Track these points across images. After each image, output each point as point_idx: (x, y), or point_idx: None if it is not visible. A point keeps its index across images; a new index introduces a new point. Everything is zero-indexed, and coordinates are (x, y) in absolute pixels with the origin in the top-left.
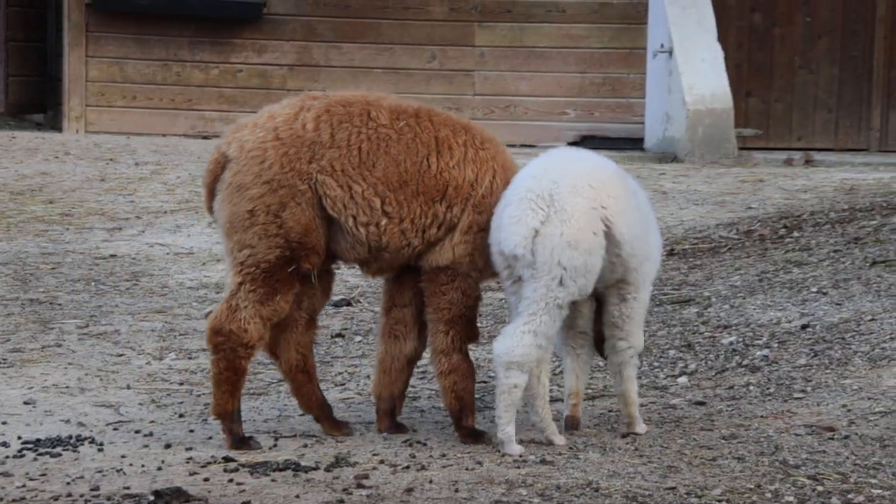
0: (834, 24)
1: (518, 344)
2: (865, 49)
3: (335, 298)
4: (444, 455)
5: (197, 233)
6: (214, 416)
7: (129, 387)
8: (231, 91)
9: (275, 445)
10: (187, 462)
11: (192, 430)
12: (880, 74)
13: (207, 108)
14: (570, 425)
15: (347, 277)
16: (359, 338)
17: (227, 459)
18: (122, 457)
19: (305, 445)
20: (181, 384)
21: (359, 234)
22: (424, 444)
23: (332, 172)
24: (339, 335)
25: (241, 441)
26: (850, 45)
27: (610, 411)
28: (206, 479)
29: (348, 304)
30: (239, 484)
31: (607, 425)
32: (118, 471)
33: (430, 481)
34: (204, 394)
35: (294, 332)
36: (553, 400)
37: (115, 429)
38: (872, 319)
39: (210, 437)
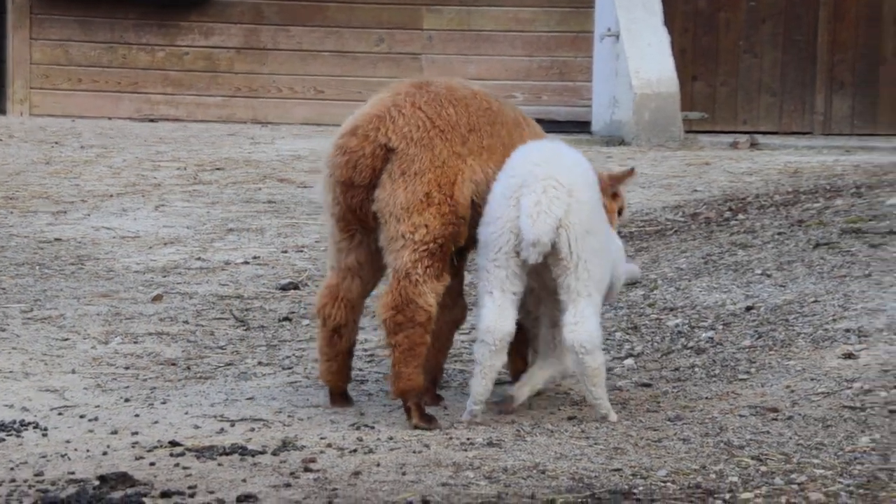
0: (778, 8)
1: (594, 328)
2: (809, 33)
3: (282, 282)
4: (391, 438)
5: (143, 216)
6: (400, 394)
7: (74, 371)
8: (177, 74)
9: (222, 430)
10: (133, 447)
11: (137, 415)
12: (824, 59)
13: (153, 91)
14: (505, 411)
15: (295, 260)
16: (306, 321)
17: (173, 444)
18: (67, 442)
19: (253, 429)
20: (127, 368)
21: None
22: (372, 428)
23: (477, 153)
24: (287, 318)
25: (430, 417)
26: (794, 30)
27: (558, 394)
28: (152, 464)
29: (296, 287)
30: (185, 468)
31: (553, 407)
32: (62, 456)
33: (378, 464)
34: (150, 378)
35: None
36: (501, 383)
37: (59, 414)
38: (815, 301)
39: (156, 422)
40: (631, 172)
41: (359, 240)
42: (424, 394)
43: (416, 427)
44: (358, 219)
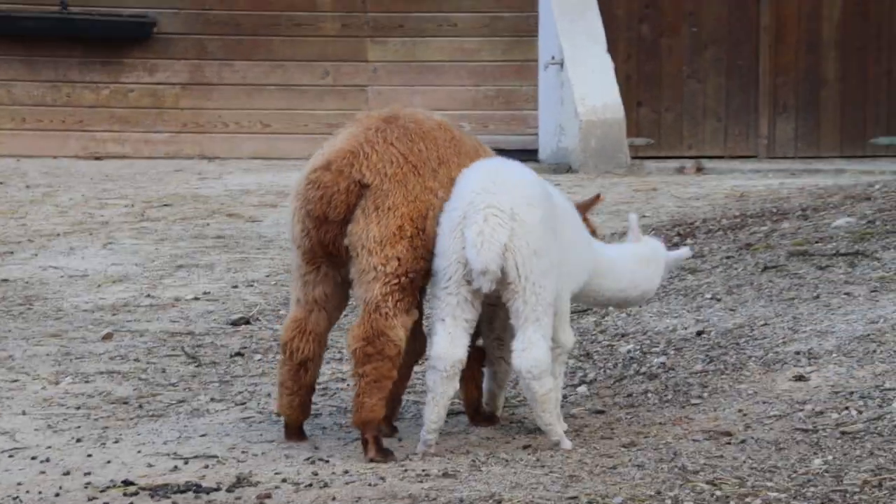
0: (720, 34)
1: (541, 353)
2: (751, 58)
3: (233, 317)
4: (346, 472)
5: (91, 255)
6: (361, 424)
7: (24, 412)
8: (123, 111)
9: (175, 467)
10: (86, 487)
11: (90, 455)
12: (766, 83)
13: (99, 128)
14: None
15: (245, 295)
16: (258, 356)
17: (126, 483)
18: (19, 484)
19: (207, 466)
20: (78, 408)
21: None
22: (327, 462)
23: (447, 186)
24: (239, 354)
25: (387, 452)
26: (736, 55)
27: (512, 422)
28: None
29: (247, 322)
30: None
31: (508, 436)
32: (14, 499)
33: (333, 498)
34: (101, 417)
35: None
36: (456, 413)
37: (10, 456)
38: (765, 324)
39: (109, 462)
40: (597, 199)
41: (325, 272)
42: (382, 423)
43: (371, 461)
44: (328, 253)
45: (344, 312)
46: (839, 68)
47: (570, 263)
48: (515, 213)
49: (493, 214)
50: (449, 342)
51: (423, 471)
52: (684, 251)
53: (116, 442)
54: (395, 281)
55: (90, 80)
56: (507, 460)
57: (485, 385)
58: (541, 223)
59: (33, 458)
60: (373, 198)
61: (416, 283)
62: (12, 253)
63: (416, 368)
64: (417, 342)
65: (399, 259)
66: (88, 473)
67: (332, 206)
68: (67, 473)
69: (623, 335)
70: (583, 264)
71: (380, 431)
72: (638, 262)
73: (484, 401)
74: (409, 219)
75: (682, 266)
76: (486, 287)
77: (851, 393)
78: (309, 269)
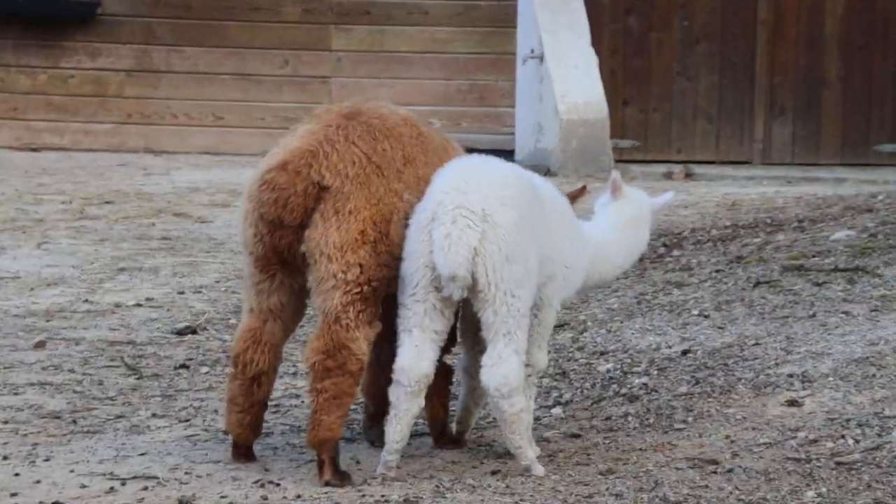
0: (713, 28)
1: (511, 370)
2: (747, 55)
3: (179, 326)
4: (299, 496)
5: (24, 255)
6: (317, 443)
7: None
8: (61, 99)
9: (111, 489)
10: None
11: (17, 474)
12: (762, 82)
13: (35, 117)
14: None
15: (192, 302)
16: (205, 368)
17: None
18: None
19: (146, 489)
20: (5, 423)
21: None
22: (277, 485)
23: (414, 186)
24: (184, 366)
25: (344, 475)
26: (731, 51)
27: (480, 445)
28: None
29: (193, 332)
30: None
31: (475, 460)
32: None
33: None
34: (31, 432)
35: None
36: (419, 434)
37: None
38: (756, 344)
39: (38, 481)
40: (583, 190)
41: (280, 280)
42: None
43: (327, 484)
44: (283, 259)
45: (300, 323)
46: (842, 67)
47: (563, 268)
48: (487, 213)
49: (463, 215)
50: (415, 355)
51: (383, 496)
52: (669, 195)
53: (47, 460)
54: (357, 290)
55: (26, 65)
56: (473, 486)
57: (460, 401)
58: (515, 226)
59: None
60: (332, 201)
61: (380, 292)
62: None
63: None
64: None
65: (361, 266)
66: (15, 494)
67: (287, 210)
68: None
69: (602, 353)
70: (580, 266)
71: (337, 452)
72: (627, 227)
73: (456, 418)
74: (372, 223)
75: (668, 280)
76: (456, 294)
77: (848, 420)
78: (262, 278)
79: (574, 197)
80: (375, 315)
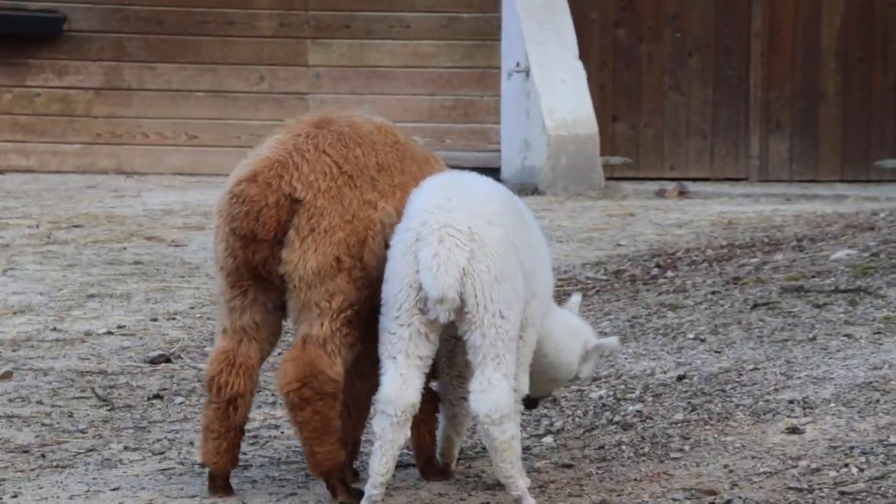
0: (706, 41)
1: (501, 396)
2: (741, 68)
3: (152, 354)
4: None
5: None
6: (322, 474)
7: None
8: (27, 119)
9: None
10: None
11: None
12: (758, 96)
13: (0, 138)
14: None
15: (166, 330)
16: (180, 399)
17: None
18: None
19: None
20: None
21: None
22: None
23: (390, 194)
24: (158, 396)
25: (357, 492)
26: (725, 64)
27: (468, 476)
28: None
29: (167, 360)
30: None
31: (463, 492)
32: None
33: None
34: None
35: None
36: (405, 465)
37: None
38: (755, 369)
39: None
40: None
41: (253, 297)
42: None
43: (343, 502)
44: (257, 275)
45: (278, 349)
46: (840, 81)
47: (543, 286)
48: (474, 232)
49: (450, 234)
50: (401, 384)
51: None
52: (613, 340)
53: (15, 496)
54: (343, 315)
55: None
56: None
57: (440, 431)
58: (503, 244)
59: None
60: (307, 216)
61: (363, 314)
62: None
63: None
64: (376, 376)
65: (342, 293)
66: None
67: (260, 223)
68: None
69: (594, 379)
70: (550, 288)
71: (344, 474)
72: (565, 327)
73: (439, 450)
74: (346, 246)
75: (662, 302)
76: (443, 318)
77: (852, 448)
78: (234, 294)
79: None
80: (359, 338)
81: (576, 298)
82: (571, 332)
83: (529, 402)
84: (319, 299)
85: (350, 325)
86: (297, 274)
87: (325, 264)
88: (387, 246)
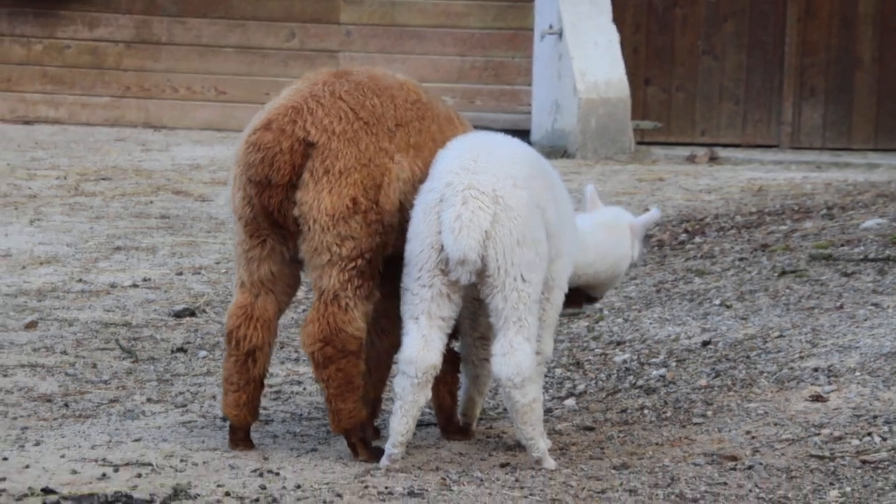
0: (741, 5)
1: (524, 359)
2: (776, 33)
3: (177, 308)
4: (299, 486)
5: (16, 232)
6: (343, 431)
7: None
8: (57, 70)
9: (104, 475)
10: (0, 494)
11: (5, 458)
12: (792, 62)
13: (30, 89)
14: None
15: (191, 284)
16: (203, 352)
17: (46, 491)
18: None
19: (140, 475)
20: None
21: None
22: (277, 474)
23: (405, 151)
24: (181, 349)
25: (377, 450)
26: (759, 29)
27: (489, 436)
28: None
29: (192, 314)
30: None
31: (484, 452)
32: None
33: None
34: (21, 416)
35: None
36: (426, 424)
37: None
38: (780, 336)
39: (27, 466)
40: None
41: (271, 247)
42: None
43: (365, 461)
44: (274, 223)
45: (300, 306)
46: (876, 48)
47: (569, 245)
48: (498, 195)
49: (474, 196)
50: (422, 345)
51: (386, 488)
52: (653, 213)
53: (37, 444)
54: (353, 265)
55: (20, 34)
56: (481, 480)
57: (463, 391)
58: (527, 207)
59: None
60: (321, 159)
61: (375, 264)
62: None
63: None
64: (396, 334)
65: (354, 238)
66: (3, 479)
67: (274, 169)
68: None
69: (619, 343)
70: (575, 248)
71: (365, 432)
72: (599, 229)
73: (460, 409)
74: (363, 188)
75: (689, 267)
76: (464, 279)
77: (875, 417)
78: (253, 244)
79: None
80: (373, 287)
81: (590, 188)
82: (609, 229)
83: (590, 299)
84: (331, 243)
85: (362, 277)
86: (311, 215)
87: (340, 205)
88: (401, 203)
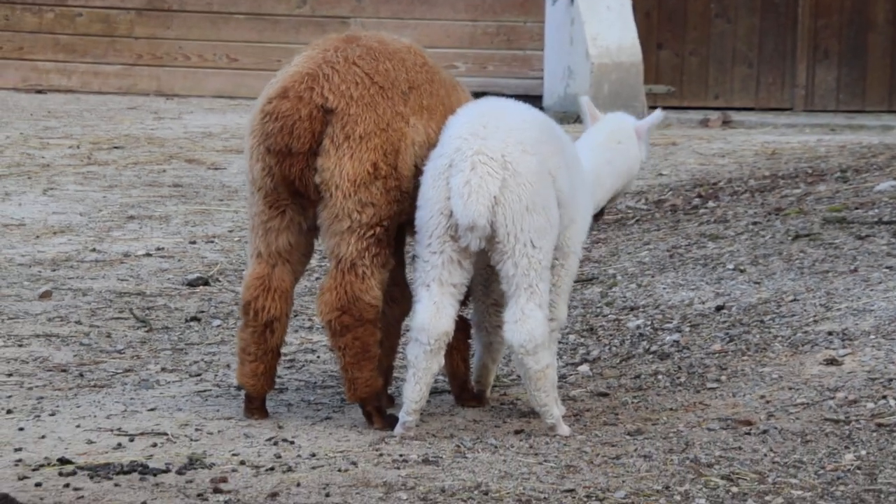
0: None
1: (536, 325)
2: None
3: (190, 277)
4: (313, 454)
5: (29, 201)
6: (359, 399)
7: None
8: (69, 38)
9: (119, 445)
10: (16, 465)
11: (21, 429)
12: (805, 25)
13: (41, 57)
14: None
15: (205, 252)
16: (217, 321)
17: (62, 461)
18: None
19: (155, 445)
20: (10, 375)
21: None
22: (291, 443)
23: (418, 113)
24: (195, 318)
25: (392, 418)
26: None
27: (503, 403)
28: (39, 485)
29: (205, 283)
30: (77, 489)
31: (498, 419)
32: None
33: (298, 484)
34: (36, 386)
35: None
36: (440, 391)
37: None
38: (794, 300)
39: (43, 436)
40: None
41: (290, 217)
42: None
43: (379, 429)
44: (295, 192)
45: (314, 274)
46: (890, 9)
47: (582, 210)
48: (507, 160)
49: (482, 162)
50: (434, 312)
51: (401, 456)
52: (657, 114)
53: (52, 415)
54: (371, 233)
55: (32, 2)
56: (495, 446)
57: (476, 357)
58: (537, 174)
59: None
60: (341, 125)
61: (392, 231)
62: None
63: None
64: (406, 301)
65: (374, 205)
66: (19, 449)
67: (294, 137)
68: None
69: (632, 308)
70: (590, 208)
71: (380, 401)
72: (606, 147)
73: (474, 376)
74: (383, 153)
75: (702, 232)
76: (474, 245)
77: (890, 380)
78: (273, 215)
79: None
80: (389, 255)
81: (584, 99)
82: (615, 142)
83: (598, 215)
84: (352, 209)
85: (379, 244)
86: (333, 182)
87: (362, 170)
88: (416, 168)
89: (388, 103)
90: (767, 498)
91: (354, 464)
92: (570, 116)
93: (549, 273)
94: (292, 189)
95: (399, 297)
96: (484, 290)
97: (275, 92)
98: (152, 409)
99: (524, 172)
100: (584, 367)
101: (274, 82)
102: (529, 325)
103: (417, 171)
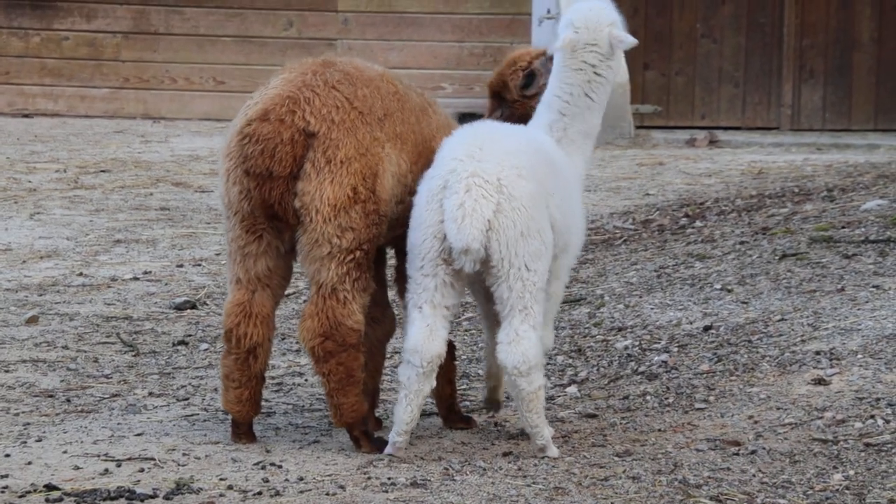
0: None
1: (529, 347)
2: (774, 15)
3: (178, 300)
4: (301, 479)
5: (16, 226)
6: (345, 424)
7: None
8: (55, 62)
9: (106, 471)
10: (2, 491)
11: (8, 455)
12: (791, 44)
13: (28, 81)
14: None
15: (192, 276)
16: (205, 345)
17: (49, 487)
18: None
19: (142, 470)
20: None
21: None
22: (279, 467)
23: (392, 140)
24: (182, 342)
25: (380, 441)
26: (758, 11)
27: (495, 425)
28: None
29: (193, 306)
30: None
31: (486, 441)
32: None
33: None
34: (23, 412)
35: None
36: (428, 413)
37: None
38: (782, 320)
39: (29, 463)
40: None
41: (267, 242)
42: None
43: (368, 453)
44: (273, 216)
45: (301, 297)
46: (875, 28)
47: (577, 236)
48: (503, 184)
49: (477, 185)
50: (427, 334)
51: (389, 479)
52: (628, 38)
53: (39, 440)
54: (351, 257)
55: (18, 26)
56: (484, 469)
57: (487, 361)
58: (531, 198)
59: None
60: (322, 149)
61: (371, 255)
62: None
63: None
64: (387, 321)
65: (353, 229)
66: (5, 476)
67: (276, 160)
68: None
69: (620, 329)
70: (583, 231)
71: (366, 425)
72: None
73: (486, 383)
74: (362, 177)
75: (690, 252)
76: (468, 268)
77: (878, 400)
78: (250, 240)
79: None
80: (369, 279)
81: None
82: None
83: None
84: (332, 234)
85: (360, 269)
86: (313, 206)
87: (342, 195)
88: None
89: (366, 128)
90: None
91: (342, 487)
92: None
93: (543, 294)
94: (271, 213)
95: (381, 318)
96: (486, 305)
97: (255, 114)
98: (139, 434)
99: (520, 197)
100: (573, 389)
101: (251, 104)
102: (523, 346)
103: (392, 196)
